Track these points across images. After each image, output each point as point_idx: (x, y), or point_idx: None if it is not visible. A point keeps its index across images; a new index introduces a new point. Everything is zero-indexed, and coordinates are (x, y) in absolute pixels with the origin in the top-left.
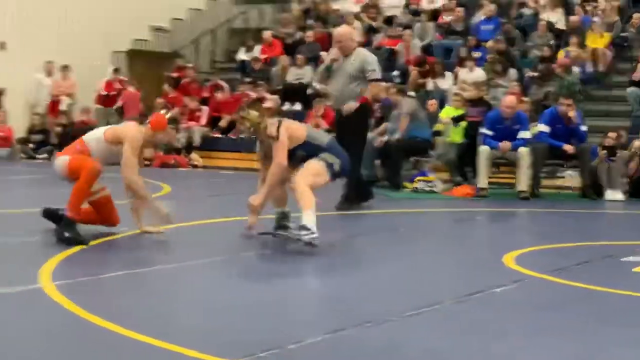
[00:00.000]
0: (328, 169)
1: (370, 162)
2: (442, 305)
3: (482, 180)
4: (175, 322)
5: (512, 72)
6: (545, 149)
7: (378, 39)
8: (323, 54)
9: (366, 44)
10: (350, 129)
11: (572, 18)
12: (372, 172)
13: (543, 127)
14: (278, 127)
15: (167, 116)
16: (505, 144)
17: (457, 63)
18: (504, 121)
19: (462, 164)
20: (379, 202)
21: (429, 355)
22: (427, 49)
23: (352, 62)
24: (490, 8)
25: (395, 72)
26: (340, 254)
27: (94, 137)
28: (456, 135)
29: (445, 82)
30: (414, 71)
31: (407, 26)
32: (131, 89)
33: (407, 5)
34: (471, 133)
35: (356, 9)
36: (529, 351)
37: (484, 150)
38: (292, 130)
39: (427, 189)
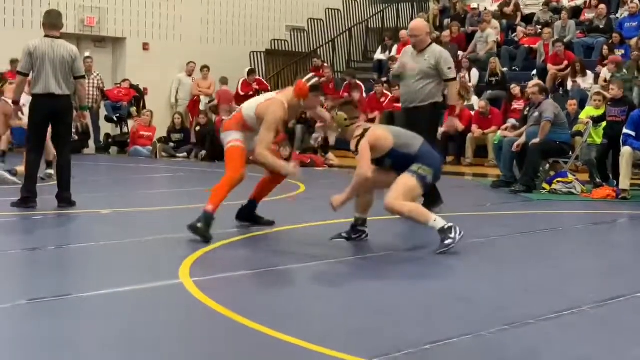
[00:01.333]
0: (420, 182)
1: (509, 163)
2: (583, 310)
3: (624, 182)
4: (311, 321)
5: None
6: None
7: (517, 36)
8: (460, 53)
9: (504, 43)
10: (420, 130)
11: None
12: (510, 173)
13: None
14: (359, 140)
15: (309, 83)
16: None
17: (598, 61)
18: None
19: (603, 165)
20: (517, 203)
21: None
22: (568, 47)
23: (426, 59)
24: (634, 4)
25: (534, 72)
26: (478, 255)
27: (248, 115)
28: (596, 136)
29: (586, 81)
30: (552, 70)
31: (547, 24)
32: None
33: (547, 3)
34: (611, 134)
35: (494, 7)
36: None
37: (626, 151)
38: (376, 140)
39: (566, 190)
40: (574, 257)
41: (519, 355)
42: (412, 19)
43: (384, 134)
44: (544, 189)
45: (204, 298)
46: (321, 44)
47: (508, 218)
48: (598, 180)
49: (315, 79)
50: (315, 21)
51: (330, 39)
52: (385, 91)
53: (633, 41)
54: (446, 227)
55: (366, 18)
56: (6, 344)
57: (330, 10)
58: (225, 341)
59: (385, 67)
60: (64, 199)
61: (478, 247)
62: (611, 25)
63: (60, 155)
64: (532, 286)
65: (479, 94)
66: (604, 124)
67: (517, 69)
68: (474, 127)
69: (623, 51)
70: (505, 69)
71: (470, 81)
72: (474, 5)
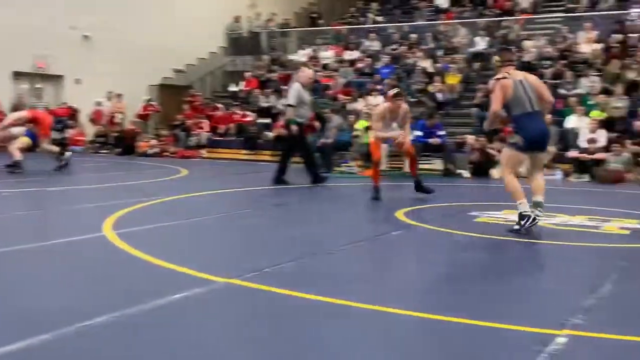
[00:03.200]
0: (513, 148)
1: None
2: (361, 243)
3: (383, 165)
4: (205, 256)
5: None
6: (420, 146)
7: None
8: (284, 87)
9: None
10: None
11: (437, 65)
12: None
13: (418, 133)
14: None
15: (391, 93)
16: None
17: (367, 93)
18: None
19: (369, 155)
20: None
21: (355, 275)
22: (348, 84)
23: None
24: (387, 59)
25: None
26: (302, 209)
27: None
28: (367, 138)
29: (359, 105)
30: (341, 97)
31: (335, 70)
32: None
33: (336, 56)
34: None
35: (304, 59)
36: (423, 270)
37: (384, 146)
38: (503, 82)
39: (349, 171)
40: (356, 210)
41: (325, 270)
42: (253, 65)
43: (509, 84)
44: (336, 170)
45: (122, 244)
46: (195, 80)
47: (315, 188)
48: (368, 164)
49: (396, 90)
50: (191, 65)
51: (200, 77)
52: (236, 111)
53: (387, 80)
54: (523, 213)
55: (223, 64)
56: None
57: (199, 59)
58: (138, 277)
59: (237, 95)
60: None
61: (298, 206)
62: (374, 70)
63: None
64: (333, 229)
65: None
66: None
67: (317, 98)
68: None
69: (381, 87)
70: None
71: None
72: (291, 57)
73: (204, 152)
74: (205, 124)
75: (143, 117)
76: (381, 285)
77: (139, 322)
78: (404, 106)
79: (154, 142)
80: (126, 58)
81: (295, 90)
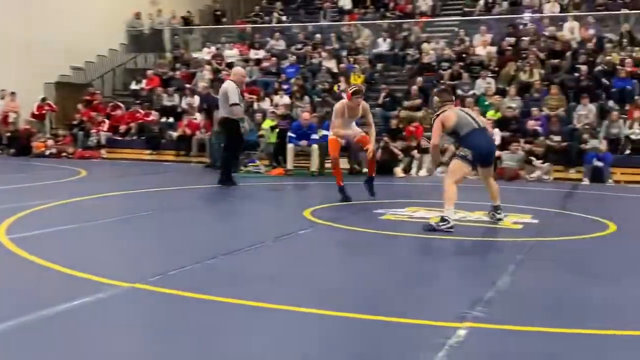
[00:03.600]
0: (462, 160)
1: (219, 154)
2: (267, 243)
3: (289, 164)
4: (97, 260)
5: (306, 98)
6: (326, 145)
7: (222, 76)
8: (187, 85)
9: (214, 80)
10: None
11: (342, 65)
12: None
13: (325, 132)
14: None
15: (350, 91)
16: (303, 142)
17: (273, 92)
18: (302, 128)
19: (277, 154)
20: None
21: (261, 275)
22: (254, 83)
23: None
24: (293, 59)
25: None
26: (207, 210)
27: None
28: (273, 137)
29: (266, 104)
30: (247, 97)
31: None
32: None
33: (240, 55)
34: (282, 135)
35: (208, 57)
36: (330, 268)
37: (290, 146)
38: (445, 115)
39: (255, 170)
40: (263, 210)
41: (228, 273)
42: (155, 63)
43: (452, 115)
44: (242, 170)
45: (17, 250)
46: (94, 78)
47: (222, 189)
48: (274, 164)
49: (355, 88)
50: (90, 63)
51: (100, 75)
52: (138, 109)
53: (293, 80)
54: (445, 217)
55: (124, 61)
56: None
57: (99, 56)
58: (35, 284)
59: (138, 94)
60: None
61: (204, 208)
62: (280, 70)
63: None
64: (239, 229)
65: None
66: (277, 130)
67: None
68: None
69: (287, 86)
70: (217, 96)
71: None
72: (195, 55)
73: (103, 153)
74: (105, 123)
75: (38, 116)
76: (287, 285)
77: (38, 330)
78: (364, 104)
79: (50, 142)
80: (19, 55)
81: (234, 89)
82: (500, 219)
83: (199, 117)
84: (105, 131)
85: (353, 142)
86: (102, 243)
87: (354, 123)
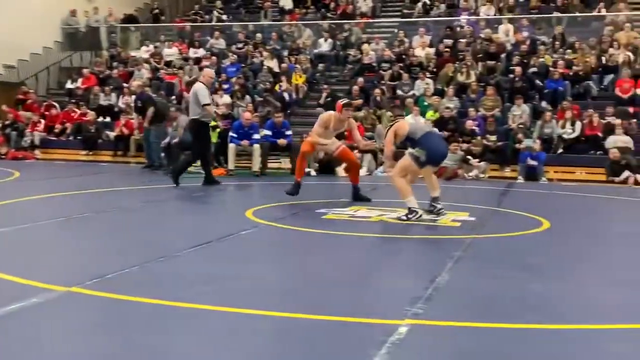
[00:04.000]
0: (413, 160)
1: (158, 153)
2: (210, 244)
3: (231, 165)
4: (25, 263)
5: (248, 98)
6: (268, 145)
7: (161, 75)
8: (125, 84)
9: (153, 78)
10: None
11: (283, 65)
12: (160, 160)
13: (267, 132)
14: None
15: (341, 103)
16: (245, 142)
17: (213, 92)
18: (244, 128)
19: (218, 155)
20: (168, 181)
21: (205, 277)
22: (193, 82)
23: None
24: (233, 58)
25: (173, 97)
26: (147, 212)
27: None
28: (214, 137)
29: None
30: (185, 96)
31: (180, 67)
32: None
33: (180, 53)
34: (223, 135)
35: (146, 55)
36: (272, 268)
37: (232, 146)
38: (399, 125)
39: (196, 171)
40: (204, 210)
41: (170, 275)
42: (90, 61)
43: (404, 124)
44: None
45: None
46: (28, 77)
47: (162, 189)
48: (216, 164)
49: (347, 100)
50: (23, 61)
51: (34, 73)
52: (74, 109)
53: (234, 79)
54: (412, 209)
55: (59, 60)
56: None
57: (33, 54)
58: None
59: (74, 93)
60: None
61: (144, 209)
62: (220, 69)
63: None
64: (180, 230)
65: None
66: (218, 129)
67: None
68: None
69: (228, 85)
70: (154, 95)
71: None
72: (133, 54)
73: (38, 153)
74: (41, 123)
75: None
76: (229, 286)
77: None
78: (351, 120)
79: None
80: None
81: (203, 90)
82: (440, 210)
83: (135, 117)
84: (39, 131)
85: (332, 156)
86: (38, 246)
87: (334, 136)
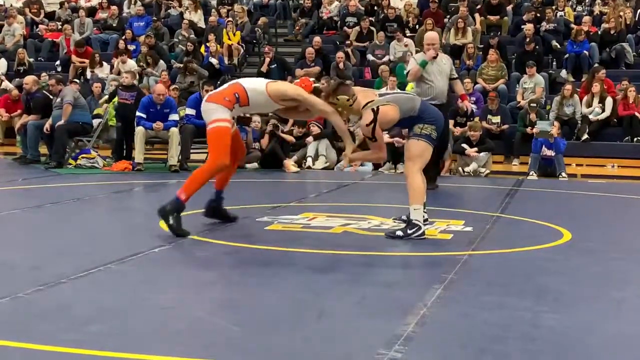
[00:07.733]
0: (428, 141)
1: (35, 143)
2: (108, 267)
3: (139, 156)
4: None
5: (162, 64)
6: (192, 129)
7: (41, 31)
8: None
9: (29, 36)
10: None
11: (211, 18)
12: (37, 152)
13: (189, 111)
14: (372, 124)
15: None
16: (158, 125)
17: (114, 54)
18: (156, 105)
19: (121, 142)
20: (48, 177)
21: (101, 312)
22: (86, 42)
23: (445, 63)
24: (140, 9)
25: (57, 62)
26: (15, 224)
27: (254, 88)
28: (114, 118)
29: (103, 71)
30: (75, 61)
31: (67, 21)
32: None
33: (63, 3)
34: (123, 114)
35: (19, 4)
36: (192, 300)
37: (139, 130)
38: (384, 117)
39: (90, 165)
40: (99, 221)
41: (54, 310)
42: None
43: (390, 108)
44: (71, 164)
45: None
46: None
47: (39, 190)
48: (116, 155)
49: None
50: None
51: None
52: None
53: (142, 38)
54: (414, 221)
55: None
56: None
57: None
58: None
59: None
60: None
61: (13, 218)
62: (123, 23)
63: None
64: (65, 249)
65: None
66: (113, 103)
67: (43, 60)
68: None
69: (135, 46)
70: (32, 60)
71: None
72: (0, 2)
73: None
74: None
75: None
76: (130, 325)
77: None
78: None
79: None
80: None
81: None
82: (425, 219)
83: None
84: None
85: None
86: None
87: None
